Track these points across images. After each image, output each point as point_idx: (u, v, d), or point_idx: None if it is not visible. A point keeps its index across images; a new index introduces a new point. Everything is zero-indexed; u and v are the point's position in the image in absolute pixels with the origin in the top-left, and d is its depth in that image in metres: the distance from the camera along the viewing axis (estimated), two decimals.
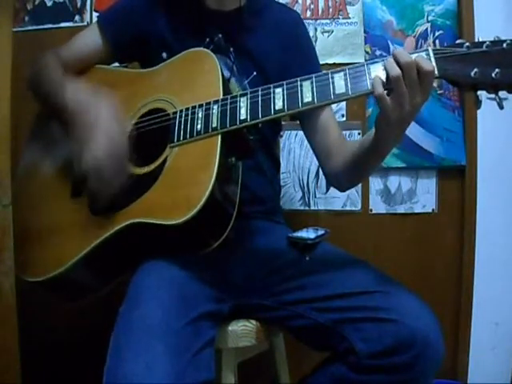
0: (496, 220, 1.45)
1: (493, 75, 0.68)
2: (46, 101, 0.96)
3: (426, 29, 1.47)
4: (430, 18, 1.47)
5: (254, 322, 0.92)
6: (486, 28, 1.41)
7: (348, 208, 1.52)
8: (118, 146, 0.83)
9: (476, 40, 0.71)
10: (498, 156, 1.46)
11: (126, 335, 0.69)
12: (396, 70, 0.71)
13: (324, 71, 0.80)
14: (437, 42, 1.47)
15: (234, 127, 0.81)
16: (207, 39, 1.01)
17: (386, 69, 0.73)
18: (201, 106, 0.85)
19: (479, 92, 0.72)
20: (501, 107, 0.71)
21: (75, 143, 0.86)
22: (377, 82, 0.73)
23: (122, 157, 0.84)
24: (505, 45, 0.69)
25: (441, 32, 1.47)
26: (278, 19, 1.08)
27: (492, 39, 0.70)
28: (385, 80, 0.73)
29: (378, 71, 0.75)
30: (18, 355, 0.84)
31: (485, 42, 0.70)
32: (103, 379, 0.67)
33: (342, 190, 1.13)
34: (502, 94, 0.71)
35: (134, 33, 1.03)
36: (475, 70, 0.69)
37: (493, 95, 0.70)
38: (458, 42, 0.73)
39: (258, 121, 0.81)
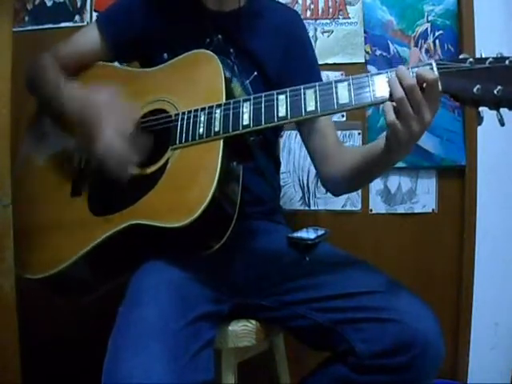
0: (496, 220, 1.45)
1: (495, 92, 0.67)
2: (43, 104, 0.97)
3: (426, 29, 1.47)
4: (430, 18, 1.47)
5: (253, 321, 0.92)
6: (486, 28, 1.41)
7: (348, 208, 1.52)
8: (124, 127, 0.85)
9: (478, 55, 0.70)
10: (497, 156, 1.46)
11: (125, 336, 0.69)
12: (399, 91, 0.70)
13: (326, 81, 0.80)
14: (437, 41, 1.47)
15: (237, 132, 0.81)
16: (207, 40, 1.01)
17: (390, 88, 0.72)
18: (203, 109, 0.85)
19: (481, 108, 0.71)
20: (502, 124, 0.70)
21: (81, 138, 0.88)
22: (388, 108, 0.72)
23: (130, 136, 0.85)
24: (507, 62, 0.67)
25: (441, 32, 1.47)
26: (278, 19, 1.08)
27: (495, 55, 0.69)
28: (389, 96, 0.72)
29: (381, 83, 0.74)
30: (17, 355, 0.84)
31: (488, 58, 0.69)
32: (102, 379, 0.67)
33: (337, 195, 1.13)
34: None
35: (134, 33, 1.03)
36: (478, 86, 0.68)
37: (494, 112, 0.69)
38: (461, 57, 0.72)
39: (260, 127, 0.80)
